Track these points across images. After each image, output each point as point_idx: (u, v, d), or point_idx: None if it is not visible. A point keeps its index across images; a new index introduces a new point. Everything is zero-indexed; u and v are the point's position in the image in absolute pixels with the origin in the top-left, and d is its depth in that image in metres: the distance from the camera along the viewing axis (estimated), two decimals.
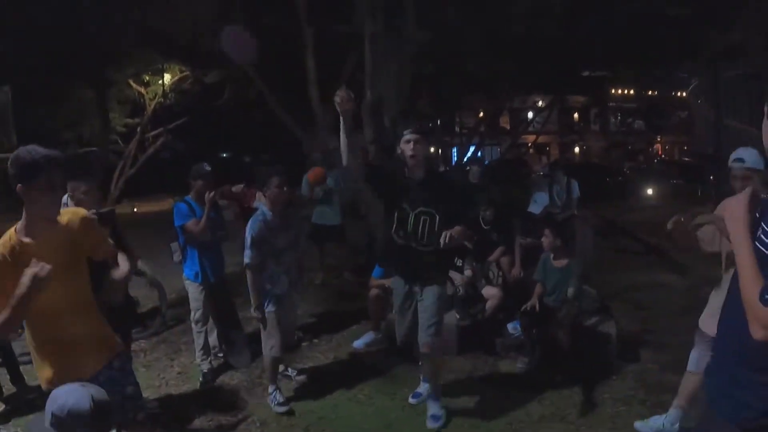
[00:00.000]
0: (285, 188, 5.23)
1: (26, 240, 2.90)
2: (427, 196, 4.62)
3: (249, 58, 11.87)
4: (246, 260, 5.07)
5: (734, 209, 2.13)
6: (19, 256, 2.83)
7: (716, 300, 4.03)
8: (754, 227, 2.07)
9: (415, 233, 4.62)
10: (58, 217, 3.07)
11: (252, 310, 5.17)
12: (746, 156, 3.97)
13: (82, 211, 3.32)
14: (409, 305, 4.87)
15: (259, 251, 5.08)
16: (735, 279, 2.09)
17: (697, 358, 4.26)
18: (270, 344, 5.22)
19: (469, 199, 4.89)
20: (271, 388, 5.30)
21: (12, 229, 2.93)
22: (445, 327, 6.27)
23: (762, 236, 2.04)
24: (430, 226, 4.60)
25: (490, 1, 10.30)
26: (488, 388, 5.56)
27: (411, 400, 5.26)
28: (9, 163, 2.83)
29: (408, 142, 4.62)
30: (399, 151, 4.70)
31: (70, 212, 3.25)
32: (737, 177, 3.98)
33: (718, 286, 4.17)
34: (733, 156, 4.03)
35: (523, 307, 5.91)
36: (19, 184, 2.83)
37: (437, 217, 4.59)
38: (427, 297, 4.74)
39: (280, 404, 5.18)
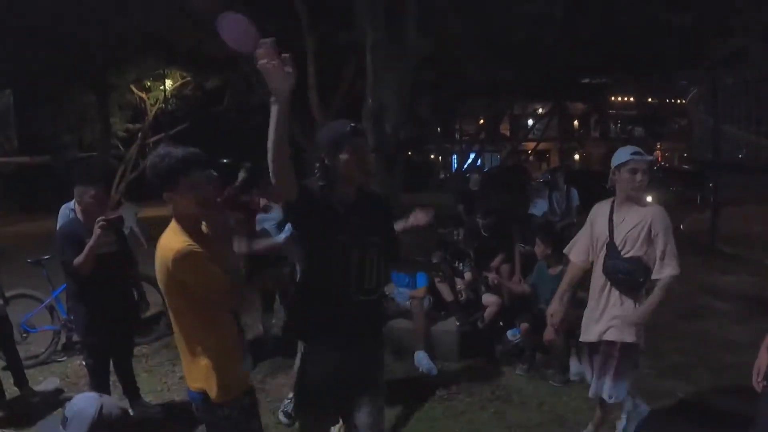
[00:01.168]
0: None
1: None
2: (369, 223, 3.18)
3: (249, 46, 11.83)
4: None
5: None
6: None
7: None
8: None
9: (360, 276, 3.13)
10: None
11: None
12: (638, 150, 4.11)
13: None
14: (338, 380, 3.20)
15: None
16: None
17: None
18: None
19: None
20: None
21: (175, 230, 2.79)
22: (446, 333, 6.36)
23: None
24: (377, 266, 3.22)
25: (491, 8, 10.35)
26: (487, 394, 5.60)
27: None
28: (149, 169, 2.77)
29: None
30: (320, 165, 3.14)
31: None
32: (640, 169, 4.05)
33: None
34: (628, 151, 4.09)
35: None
36: (165, 192, 2.77)
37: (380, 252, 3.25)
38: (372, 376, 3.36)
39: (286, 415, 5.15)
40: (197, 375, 2.86)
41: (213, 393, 2.81)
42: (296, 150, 14.48)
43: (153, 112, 22.98)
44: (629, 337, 4.09)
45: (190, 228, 2.79)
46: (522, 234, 7.91)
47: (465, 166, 24.68)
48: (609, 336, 4.14)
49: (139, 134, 23.01)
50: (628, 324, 4.07)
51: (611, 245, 4.10)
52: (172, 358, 6.68)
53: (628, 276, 4.06)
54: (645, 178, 4.03)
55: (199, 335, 2.86)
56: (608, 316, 4.15)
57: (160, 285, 2.76)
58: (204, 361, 2.84)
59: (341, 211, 3.08)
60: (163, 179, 2.73)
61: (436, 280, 6.57)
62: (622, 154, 4.08)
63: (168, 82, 22.68)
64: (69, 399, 4.55)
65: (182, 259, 2.62)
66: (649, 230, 4.00)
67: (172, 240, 2.72)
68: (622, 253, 4.05)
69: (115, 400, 2.44)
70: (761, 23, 12.36)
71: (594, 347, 4.30)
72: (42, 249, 7.16)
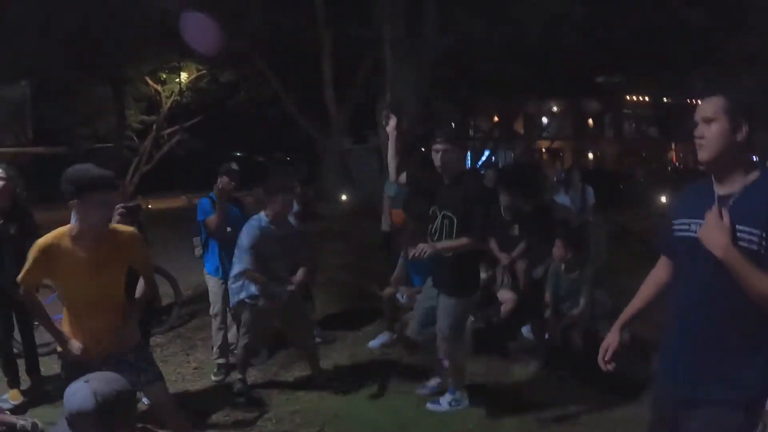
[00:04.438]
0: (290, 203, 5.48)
1: (70, 241, 3.40)
2: (451, 199, 4.76)
3: (208, 47, 11.76)
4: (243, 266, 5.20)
5: (716, 238, 2.33)
6: (57, 251, 3.38)
7: None
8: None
9: (440, 235, 4.76)
10: (108, 228, 3.59)
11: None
12: None
13: (133, 232, 3.77)
14: (428, 303, 4.99)
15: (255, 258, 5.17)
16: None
17: None
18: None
19: (486, 201, 4.91)
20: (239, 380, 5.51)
21: (64, 229, 3.43)
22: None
23: (743, 236, 2.29)
24: (448, 229, 4.72)
25: (510, 8, 10.32)
26: (500, 390, 5.59)
27: (419, 391, 5.40)
28: (63, 179, 3.29)
29: (437, 152, 4.84)
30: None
31: (122, 228, 3.74)
32: None
33: None
34: None
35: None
36: (74, 199, 3.29)
37: (455, 220, 4.70)
38: (444, 305, 4.81)
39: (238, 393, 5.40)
40: None
41: None
42: (311, 143, 14.54)
43: (168, 105, 23.00)
44: None
45: (82, 232, 3.40)
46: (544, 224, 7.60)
47: (479, 162, 24.66)
48: None
49: (154, 126, 23.05)
50: None
51: None
52: (186, 349, 6.74)
53: None
54: None
55: None
56: None
57: None
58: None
59: (439, 189, 4.90)
60: (79, 188, 3.29)
61: None
62: None
63: (183, 75, 22.70)
64: None
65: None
66: None
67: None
68: None
69: (104, 376, 2.43)
70: None
71: None
72: None
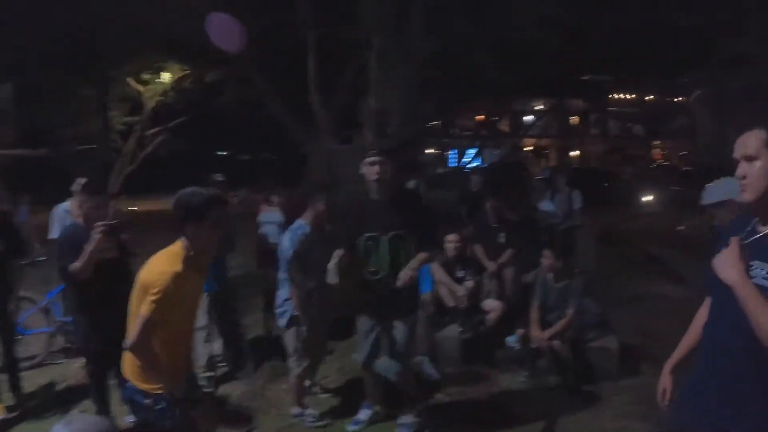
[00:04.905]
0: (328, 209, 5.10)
1: (184, 265, 3.16)
2: (397, 217, 4.43)
3: (236, 45, 11.65)
4: (286, 274, 4.97)
5: (730, 266, 2.22)
6: (180, 279, 3.11)
7: None
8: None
9: (389, 260, 4.44)
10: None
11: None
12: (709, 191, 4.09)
13: None
14: (373, 335, 4.70)
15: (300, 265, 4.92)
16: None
17: None
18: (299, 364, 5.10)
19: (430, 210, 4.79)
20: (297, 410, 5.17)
21: (173, 252, 3.21)
22: (447, 340, 6.31)
23: (757, 272, 2.20)
24: (405, 249, 4.44)
25: (497, 9, 10.28)
26: (488, 401, 5.56)
27: (349, 428, 4.98)
28: (176, 204, 3.19)
29: (372, 164, 4.44)
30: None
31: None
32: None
33: None
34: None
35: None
36: (189, 222, 3.18)
37: (409, 237, 4.43)
38: (398, 330, 4.57)
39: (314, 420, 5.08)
40: None
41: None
42: (296, 144, 14.44)
43: (152, 106, 22.84)
44: None
45: (196, 257, 3.23)
46: (530, 231, 7.58)
47: (464, 162, 24.63)
48: None
49: (138, 127, 22.87)
50: None
51: None
52: None
53: None
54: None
55: None
56: None
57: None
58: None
59: (376, 209, 4.48)
60: (191, 212, 3.17)
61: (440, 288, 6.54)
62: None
63: (167, 75, 22.54)
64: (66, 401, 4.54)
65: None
66: None
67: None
68: None
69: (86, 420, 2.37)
70: (765, 26, 12.30)
71: None
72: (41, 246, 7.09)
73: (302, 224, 5.12)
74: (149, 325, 3.02)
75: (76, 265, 4.33)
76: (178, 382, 3.22)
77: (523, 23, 10.58)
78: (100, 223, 4.27)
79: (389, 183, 4.49)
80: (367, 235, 4.45)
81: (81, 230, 4.55)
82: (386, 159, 4.45)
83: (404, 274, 4.29)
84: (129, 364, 3.23)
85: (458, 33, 10.47)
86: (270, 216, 7.00)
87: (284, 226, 6.67)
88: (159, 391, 3.13)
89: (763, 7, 11.98)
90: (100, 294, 4.48)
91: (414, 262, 4.38)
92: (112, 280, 4.49)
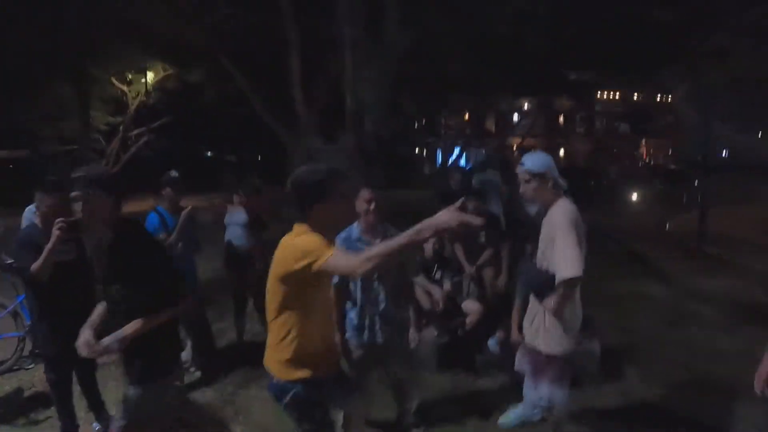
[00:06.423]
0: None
1: None
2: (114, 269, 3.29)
3: None
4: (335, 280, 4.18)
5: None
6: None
7: None
8: None
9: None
10: None
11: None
12: (528, 160, 4.17)
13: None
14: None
15: None
16: None
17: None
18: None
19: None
20: None
21: (302, 231, 3.06)
22: (424, 344, 6.13)
23: None
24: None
25: (471, 2, 10.15)
26: (468, 406, 5.40)
27: None
28: (298, 187, 3.07)
29: (75, 201, 3.20)
30: None
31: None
32: (520, 180, 4.19)
33: None
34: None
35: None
36: (317, 203, 3.05)
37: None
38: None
39: None
40: None
41: None
42: (280, 144, 14.30)
43: (135, 105, 22.68)
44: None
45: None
46: (514, 231, 7.45)
47: (449, 161, 24.54)
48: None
49: (121, 127, 22.70)
50: None
51: None
52: None
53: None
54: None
55: None
56: None
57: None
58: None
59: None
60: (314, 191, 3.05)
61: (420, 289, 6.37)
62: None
63: (150, 75, 22.42)
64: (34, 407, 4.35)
65: None
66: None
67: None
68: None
69: None
70: (746, 20, 12.25)
71: None
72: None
73: (353, 229, 4.34)
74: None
75: (35, 266, 4.16)
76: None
77: (498, 17, 10.45)
78: (59, 219, 4.07)
79: (94, 221, 3.25)
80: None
81: (38, 231, 4.37)
82: (92, 194, 3.17)
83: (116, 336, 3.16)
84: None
85: (434, 27, 10.32)
86: (234, 217, 6.74)
87: (248, 226, 6.51)
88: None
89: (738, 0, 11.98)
90: (59, 298, 4.31)
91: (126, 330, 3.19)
92: (71, 283, 4.32)
